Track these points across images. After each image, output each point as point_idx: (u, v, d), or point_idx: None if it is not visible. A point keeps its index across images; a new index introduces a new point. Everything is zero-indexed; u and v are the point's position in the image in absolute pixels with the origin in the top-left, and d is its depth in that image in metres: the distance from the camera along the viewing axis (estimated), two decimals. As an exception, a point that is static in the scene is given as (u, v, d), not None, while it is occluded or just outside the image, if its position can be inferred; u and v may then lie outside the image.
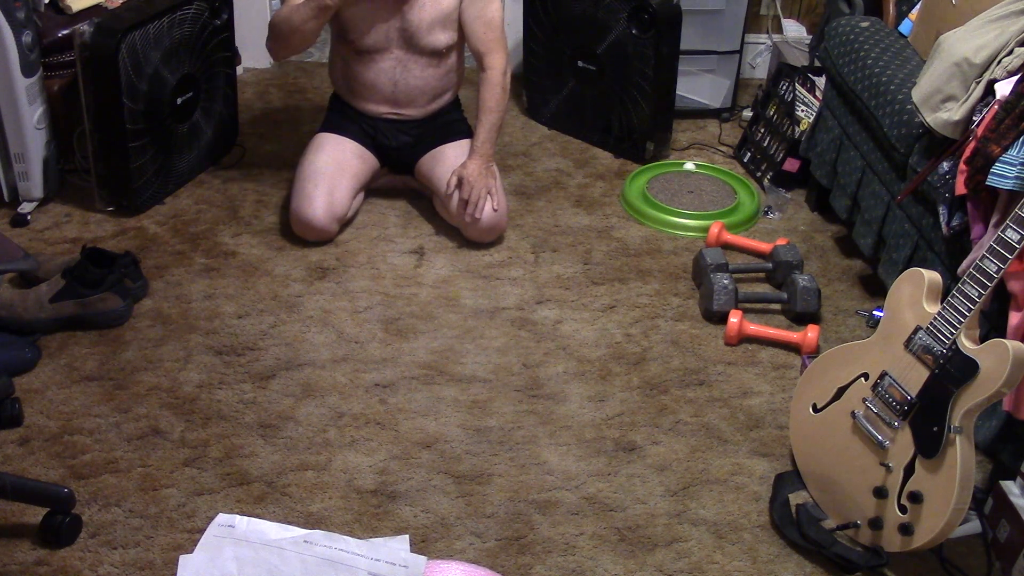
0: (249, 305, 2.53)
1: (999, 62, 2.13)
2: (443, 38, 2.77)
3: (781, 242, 2.77)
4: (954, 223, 2.18)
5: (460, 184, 2.76)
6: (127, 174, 2.77)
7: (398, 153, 2.94)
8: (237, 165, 3.17)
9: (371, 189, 2.99)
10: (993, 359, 1.69)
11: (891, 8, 2.97)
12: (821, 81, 3.05)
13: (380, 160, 2.95)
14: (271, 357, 2.36)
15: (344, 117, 2.93)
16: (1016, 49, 2.11)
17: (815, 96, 3.10)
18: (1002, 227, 1.70)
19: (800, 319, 2.57)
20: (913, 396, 1.81)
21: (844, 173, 2.77)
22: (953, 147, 2.19)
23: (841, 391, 1.98)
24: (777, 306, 2.64)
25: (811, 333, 2.44)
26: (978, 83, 2.16)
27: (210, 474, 2.04)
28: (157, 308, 2.50)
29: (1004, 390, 1.70)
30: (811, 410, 2.04)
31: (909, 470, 1.82)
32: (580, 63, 3.31)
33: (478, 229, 2.77)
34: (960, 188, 2.08)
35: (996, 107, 2.04)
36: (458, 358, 2.40)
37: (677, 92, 3.32)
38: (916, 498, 1.80)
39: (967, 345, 1.74)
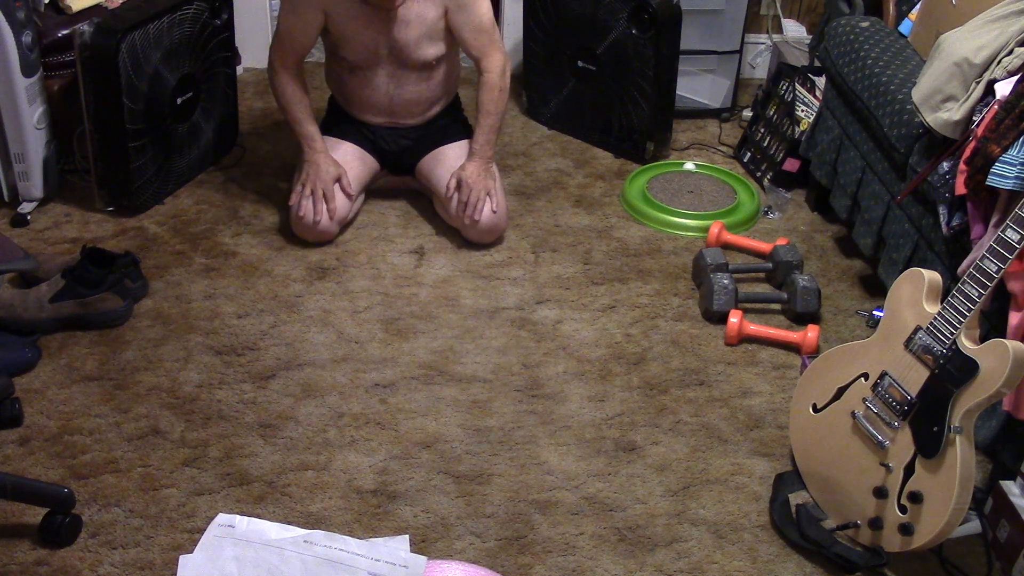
0: (249, 305, 2.53)
1: (999, 62, 2.13)
2: (432, 51, 2.76)
3: (781, 242, 2.77)
4: (954, 223, 2.18)
5: (459, 186, 2.76)
6: (127, 174, 2.77)
7: (398, 156, 2.94)
8: (237, 165, 3.17)
9: (371, 189, 2.99)
10: (993, 359, 1.69)
11: (891, 8, 2.97)
12: (821, 81, 3.05)
13: (380, 162, 2.95)
14: (271, 357, 2.36)
15: (343, 120, 2.93)
16: (1016, 49, 2.11)
17: (815, 96, 3.10)
18: (1002, 227, 1.70)
19: (800, 319, 2.57)
20: (913, 396, 1.81)
21: (844, 173, 2.77)
22: (953, 147, 2.19)
23: (841, 391, 1.98)
24: (777, 306, 2.64)
25: (811, 333, 2.43)
26: (978, 83, 2.16)
27: (210, 474, 2.04)
28: (157, 308, 2.50)
29: (1004, 390, 1.70)
30: (811, 410, 2.04)
31: (909, 470, 1.82)
32: (580, 63, 3.31)
33: (477, 230, 2.77)
34: (960, 188, 2.08)
35: (996, 107, 2.04)
36: (458, 358, 2.39)
37: (677, 92, 3.32)
38: (916, 498, 1.80)
39: (967, 345, 1.74)
